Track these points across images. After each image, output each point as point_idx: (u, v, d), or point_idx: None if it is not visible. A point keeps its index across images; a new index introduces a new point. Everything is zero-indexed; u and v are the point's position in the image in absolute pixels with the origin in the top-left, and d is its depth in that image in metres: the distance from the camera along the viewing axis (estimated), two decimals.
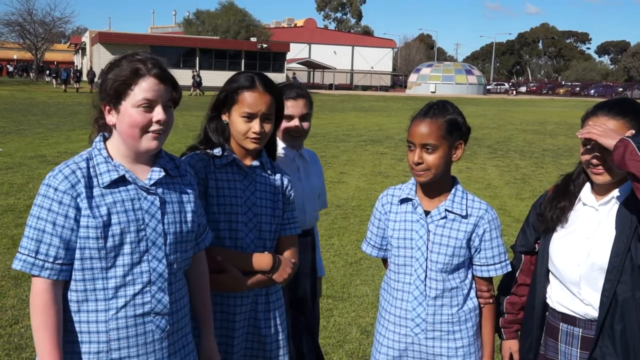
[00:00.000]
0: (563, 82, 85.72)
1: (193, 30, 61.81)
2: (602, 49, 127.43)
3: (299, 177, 3.01)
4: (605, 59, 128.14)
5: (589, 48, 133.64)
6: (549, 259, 2.45)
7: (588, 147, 2.26)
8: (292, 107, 2.90)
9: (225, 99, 2.46)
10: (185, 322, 2.20)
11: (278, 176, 2.59)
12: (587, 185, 2.40)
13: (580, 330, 2.35)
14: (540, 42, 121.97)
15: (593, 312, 2.30)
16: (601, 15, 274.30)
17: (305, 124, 2.99)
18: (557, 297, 2.42)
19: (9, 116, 21.11)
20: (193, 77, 41.55)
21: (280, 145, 2.90)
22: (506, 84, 79.06)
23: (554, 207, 2.43)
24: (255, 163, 2.51)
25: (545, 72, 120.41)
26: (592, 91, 69.98)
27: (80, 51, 67.20)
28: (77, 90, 41.07)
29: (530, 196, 10.06)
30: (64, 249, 1.95)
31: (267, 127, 2.44)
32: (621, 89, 67.36)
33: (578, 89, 73.96)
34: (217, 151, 2.46)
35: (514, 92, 70.83)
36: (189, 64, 48.05)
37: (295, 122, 2.94)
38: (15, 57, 73.36)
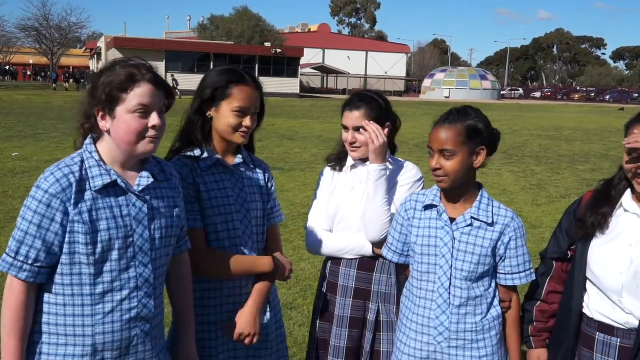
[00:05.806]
0: (578, 88, 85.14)
1: (207, 35, 62.12)
2: (618, 55, 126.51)
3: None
4: (621, 65, 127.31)
5: (604, 53, 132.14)
6: (587, 267, 2.39)
7: (634, 156, 2.23)
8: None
9: (214, 93, 2.40)
10: (162, 326, 2.22)
11: (260, 169, 2.63)
12: (628, 191, 2.35)
13: (619, 340, 2.29)
14: (555, 47, 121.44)
15: (634, 321, 2.25)
16: (617, 20, 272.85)
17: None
18: (595, 306, 2.36)
19: (25, 120, 21.29)
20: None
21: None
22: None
23: (595, 213, 2.37)
24: (238, 160, 2.51)
25: (560, 78, 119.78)
26: (608, 97, 69.46)
27: (95, 56, 67.71)
28: (66, 89, 45.70)
29: (547, 202, 9.94)
30: (45, 252, 1.94)
31: (254, 121, 2.45)
32: (637, 95, 66.79)
33: (593, 94, 73.39)
34: (198, 152, 2.43)
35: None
36: (203, 68, 48.22)
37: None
38: (31, 61, 74.18)
